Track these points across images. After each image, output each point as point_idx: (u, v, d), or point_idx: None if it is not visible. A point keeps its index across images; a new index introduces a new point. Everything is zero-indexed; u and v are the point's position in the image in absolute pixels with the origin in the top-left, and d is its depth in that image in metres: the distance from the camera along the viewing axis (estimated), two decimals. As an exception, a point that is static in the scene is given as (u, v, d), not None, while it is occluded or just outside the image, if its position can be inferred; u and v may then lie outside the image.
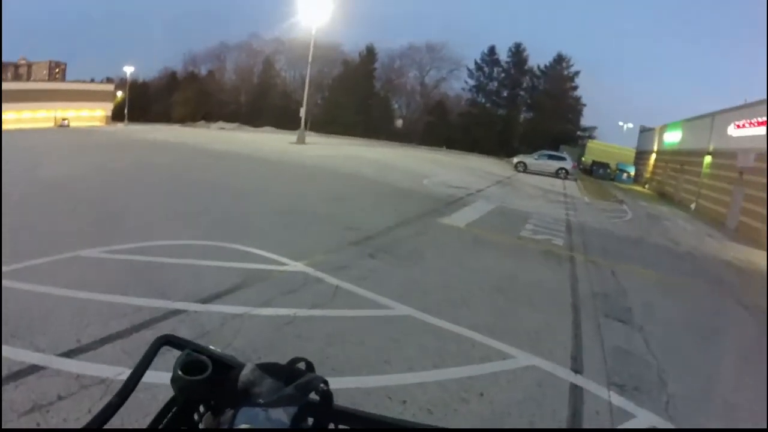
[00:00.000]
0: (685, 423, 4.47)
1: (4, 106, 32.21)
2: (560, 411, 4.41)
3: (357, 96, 57.90)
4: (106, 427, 0.84)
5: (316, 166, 21.66)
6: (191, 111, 58.92)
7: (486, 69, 60.83)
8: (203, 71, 68.30)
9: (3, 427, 3.71)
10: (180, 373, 0.89)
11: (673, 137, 34.19)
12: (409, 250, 9.58)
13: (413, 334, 5.77)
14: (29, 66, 63.29)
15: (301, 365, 0.96)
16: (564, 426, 4.19)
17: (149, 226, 9.00)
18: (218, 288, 6.39)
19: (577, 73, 58.73)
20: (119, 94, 53.81)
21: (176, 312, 5.57)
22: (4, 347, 4.30)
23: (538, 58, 60.33)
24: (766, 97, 19.99)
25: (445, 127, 57.65)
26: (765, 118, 19.60)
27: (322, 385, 0.92)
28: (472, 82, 61.52)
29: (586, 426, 4.23)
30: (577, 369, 5.30)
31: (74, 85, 47.10)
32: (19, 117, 36.73)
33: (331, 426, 0.94)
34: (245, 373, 0.91)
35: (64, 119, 40.44)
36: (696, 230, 18.65)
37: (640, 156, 44.68)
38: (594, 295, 8.18)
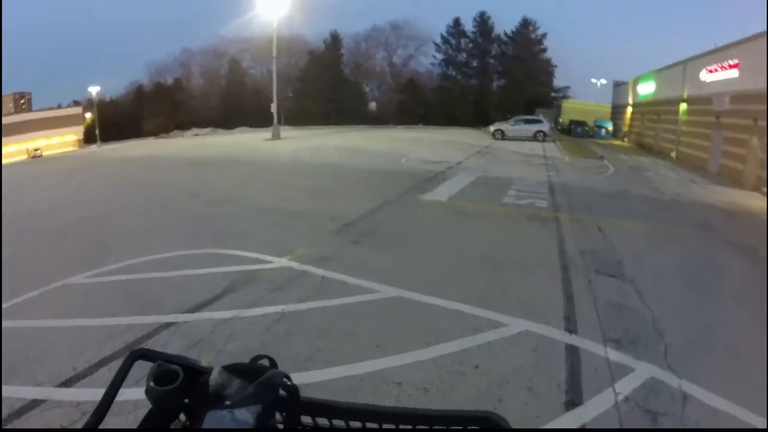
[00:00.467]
0: (685, 371, 4.39)
1: None
2: (558, 373, 4.34)
3: (326, 84, 57.22)
4: None
5: (290, 161, 21.35)
6: (163, 122, 57.95)
7: (453, 41, 60.33)
8: (170, 80, 67.17)
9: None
10: (152, 384, 0.91)
11: (647, 89, 34.23)
12: (393, 231, 9.46)
13: (403, 315, 5.67)
14: None
15: (264, 362, 0.97)
16: (563, 387, 4.11)
17: (133, 244, 8.78)
18: (206, 295, 6.28)
19: (544, 36, 58.54)
20: (88, 115, 52.74)
21: (167, 325, 5.50)
22: (4, 387, 4.29)
23: (504, 25, 59.87)
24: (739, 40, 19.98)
25: (418, 104, 57.22)
26: (736, 61, 19.63)
27: (285, 380, 0.93)
28: (440, 57, 61.02)
29: (584, 385, 4.14)
30: (571, 329, 5.22)
31: (42, 114, 46.00)
32: None
33: (308, 419, 0.97)
34: (214, 377, 0.93)
35: (36, 149, 39.56)
36: (679, 178, 18.70)
37: (617, 110, 44.70)
38: (582, 252, 8.11)
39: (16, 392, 4.28)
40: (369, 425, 0.94)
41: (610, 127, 41.81)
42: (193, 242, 8.63)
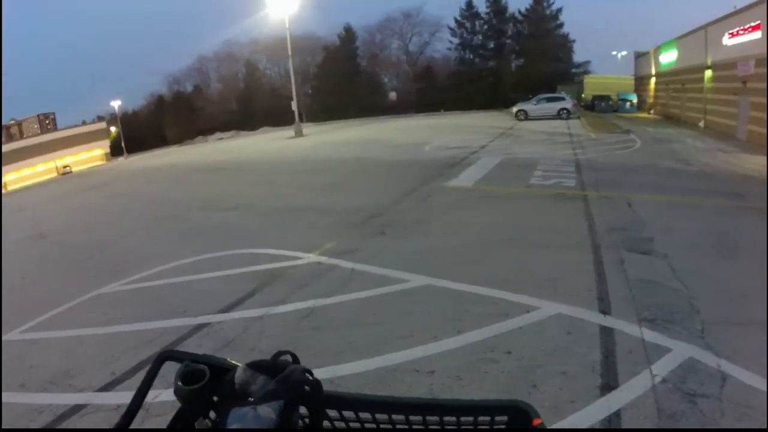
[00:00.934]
0: (724, 349, 4.24)
1: (4, 168, 32.72)
2: (592, 355, 4.27)
3: (344, 78, 57.07)
4: None
5: (313, 157, 21.45)
6: (186, 129, 58.71)
7: (467, 24, 59.41)
8: (189, 88, 68.00)
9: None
10: (180, 384, 0.93)
11: (669, 57, 33.23)
12: (418, 219, 9.44)
13: (432, 303, 5.67)
14: (19, 124, 63.71)
15: (288, 358, 0.98)
16: (598, 370, 4.05)
17: (163, 251, 9.01)
18: (237, 295, 6.41)
19: (559, 10, 57.17)
20: (113, 129, 53.83)
21: (200, 327, 5.63)
22: (46, 395, 4.53)
23: (518, 3, 58.89)
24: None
25: (437, 90, 56.61)
26: (758, 22, 18.90)
27: (307, 375, 0.93)
28: (456, 41, 60.11)
29: (620, 368, 4.07)
30: (604, 310, 5.13)
31: (67, 132, 46.93)
32: (20, 175, 36.99)
33: (334, 413, 0.97)
34: (238, 374, 0.94)
35: (65, 166, 40.52)
36: (706, 147, 18.16)
37: (640, 82, 43.55)
38: (612, 230, 7.95)
39: (57, 399, 4.45)
40: (395, 417, 0.94)
41: (635, 100, 40.77)
42: (224, 245, 8.78)
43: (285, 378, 0.91)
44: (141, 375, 4.45)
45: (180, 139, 56.43)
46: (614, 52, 55.73)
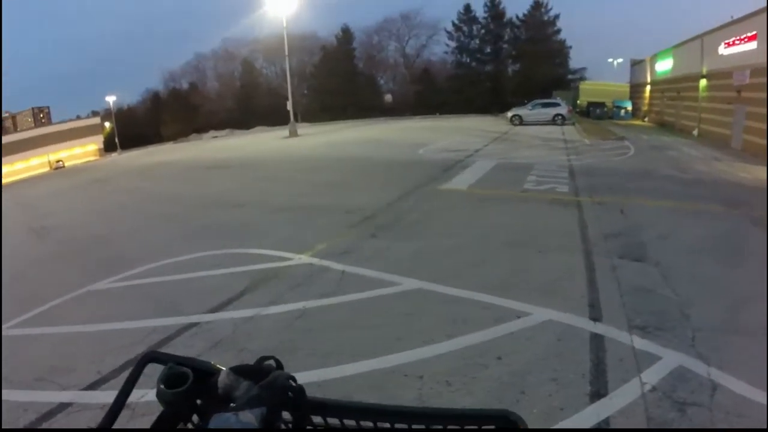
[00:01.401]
0: (714, 357, 4.24)
1: None
2: (582, 363, 4.25)
3: (341, 79, 57.14)
4: None
5: (307, 157, 21.42)
6: (181, 126, 58.56)
7: (465, 28, 59.57)
8: (185, 85, 67.78)
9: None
10: (162, 387, 0.91)
11: (664, 65, 33.41)
12: (412, 222, 9.42)
13: (424, 306, 5.65)
14: (13, 117, 63.32)
15: (272, 363, 0.97)
16: (588, 377, 4.03)
17: (159, 247, 9.00)
18: (228, 294, 6.37)
19: (556, 17, 57.43)
20: (107, 124, 53.54)
21: (189, 326, 5.58)
22: (31, 392, 4.49)
23: (516, 8, 59.13)
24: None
25: (434, 93, 56.79)
26: (754, 32, 19.03)
27: (290, 381, 0.92)
28: (453, 44, 60.30)
29: (610, 375, 4.06)
30: (595, 317, 5.12)
31: (61, 126, 46.62)
32: (12, 169, 36.65)
33: (318, 419, 0.96)
34: (222, 379, 0.93)
35: (58, 161, 40.30)
36: (701, 155, 18.23)
37: (635, 89, 43.72)
38: (605, 237, 7.95)
39: (43, 396, 4.39)
40: (380, 425, 0.93)
41: (630, 107, 40.94)
42: (215, 244, 8.74)
43: (269, 384, 0.90)
44: (127, 374, 4.46)
45: (175, 137, 56.25)
46: (610, 60, 56.09)
